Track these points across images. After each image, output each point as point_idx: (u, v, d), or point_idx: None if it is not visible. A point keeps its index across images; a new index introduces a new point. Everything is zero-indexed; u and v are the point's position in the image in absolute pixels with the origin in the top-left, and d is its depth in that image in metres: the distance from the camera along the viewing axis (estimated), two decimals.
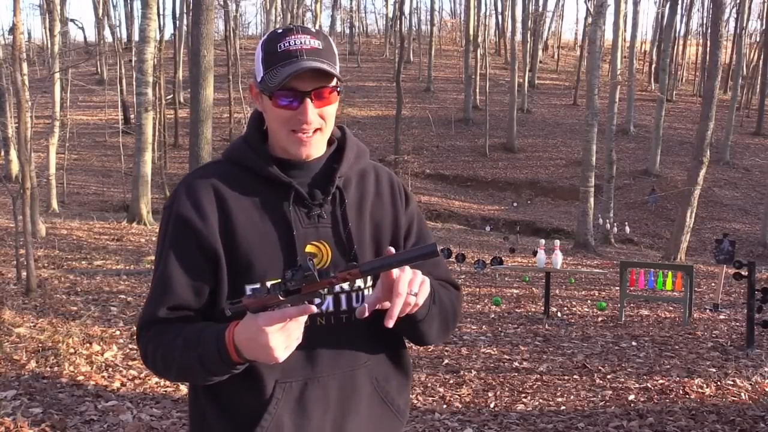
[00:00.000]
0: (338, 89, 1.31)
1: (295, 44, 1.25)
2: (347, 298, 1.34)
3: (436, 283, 1.37)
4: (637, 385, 4.80)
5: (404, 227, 1.43)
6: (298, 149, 1.30)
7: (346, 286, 1.32)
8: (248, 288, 1.28)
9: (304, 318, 1.15)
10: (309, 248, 1.31)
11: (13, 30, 9.68)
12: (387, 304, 1.20)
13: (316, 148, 1.32)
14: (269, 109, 1.30)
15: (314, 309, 1.13)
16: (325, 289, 1.17)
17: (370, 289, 1.36)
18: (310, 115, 1.26)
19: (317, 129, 1.29)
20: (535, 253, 8.83)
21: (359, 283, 1.34)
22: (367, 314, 1.22)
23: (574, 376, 5.04)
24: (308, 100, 1.26)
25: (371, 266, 1.14)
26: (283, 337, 1.13)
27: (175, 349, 1.23)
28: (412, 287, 1.19)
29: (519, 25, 34.93)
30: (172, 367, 1.25)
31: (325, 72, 1.25)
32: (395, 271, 1.18)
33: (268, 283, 1.19)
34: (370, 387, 1.36)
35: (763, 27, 37.43)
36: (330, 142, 1.39)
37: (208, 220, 1.28)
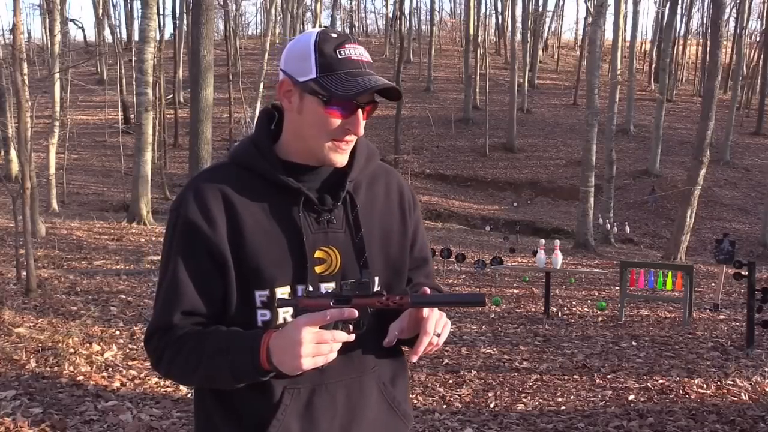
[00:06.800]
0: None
1: (356, 54, 1.25)
2: None
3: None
4: (637, 385, 4.80)
5: (411, 236, 1.43)
6: (335, 158, 1.30)
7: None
8: (257, 294, 1.27)
9: (342, 339, 1.16)
10: (318, 254, 1.29)
11: (13, 30, 9.68)
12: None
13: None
14: (310, 112, 1.27)
15: (356, 313, 1.15)
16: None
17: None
18: (361, 127, 1.28)
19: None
20: (535, 253, 8.83)
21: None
22: (393, 344, 1.28)
23: (574, 376, 5.04)
24: (360, 111, 1.26)
25: (420, 300, 1.21)
26: (314, 347, 1.13)
27: (202, 354, 1.21)
28: (437, 328, 1.24)
29: (519, 25, 34.95)
30: (196, 372, 1.23)
31: (388, 90, 1.27)
32: (425, 310, 1.23)
33: (323, 288, 1.27)
34: (377, 392, 1.36)
35: (763, 27, 37.44)
36: None
37: (216, 226, 1.25)
